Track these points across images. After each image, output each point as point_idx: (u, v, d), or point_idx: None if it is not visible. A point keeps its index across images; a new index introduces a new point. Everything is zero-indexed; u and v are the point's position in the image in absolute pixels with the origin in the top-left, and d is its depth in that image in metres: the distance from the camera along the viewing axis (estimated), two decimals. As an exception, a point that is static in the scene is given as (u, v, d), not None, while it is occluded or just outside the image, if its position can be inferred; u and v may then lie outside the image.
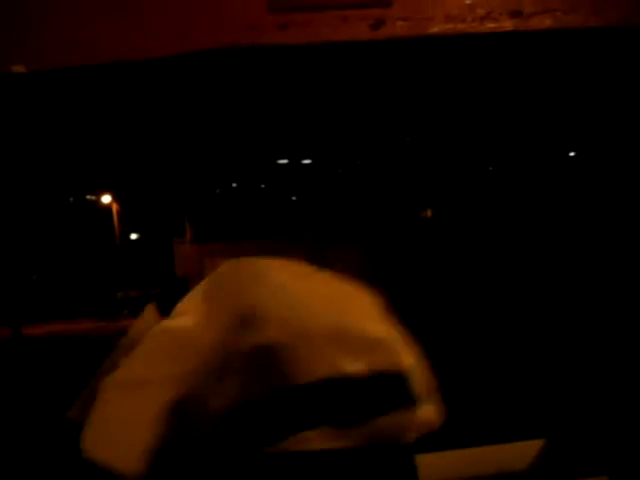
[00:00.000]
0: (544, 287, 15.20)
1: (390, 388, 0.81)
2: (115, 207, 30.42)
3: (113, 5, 1.88)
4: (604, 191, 19.37)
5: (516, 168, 23.54)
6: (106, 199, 30.67)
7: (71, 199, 35.13)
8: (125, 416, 0.81)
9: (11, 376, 10.79)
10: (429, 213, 26.37)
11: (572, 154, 24.58)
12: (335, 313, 0.86)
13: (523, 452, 2.83)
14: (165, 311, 0.94)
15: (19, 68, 1.78)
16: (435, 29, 1.94)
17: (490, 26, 1.95)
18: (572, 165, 23.60)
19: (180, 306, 0.90)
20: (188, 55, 1.89)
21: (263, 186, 31.43)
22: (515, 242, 19.51)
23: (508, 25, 1.96)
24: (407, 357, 0.85)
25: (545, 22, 1.96)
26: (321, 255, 25.47)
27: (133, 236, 34.73)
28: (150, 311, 0.96)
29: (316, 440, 0.76)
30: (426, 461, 1.47)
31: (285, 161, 32.32)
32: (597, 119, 20.88)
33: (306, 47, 2.00)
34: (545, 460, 2.76)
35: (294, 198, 30.87)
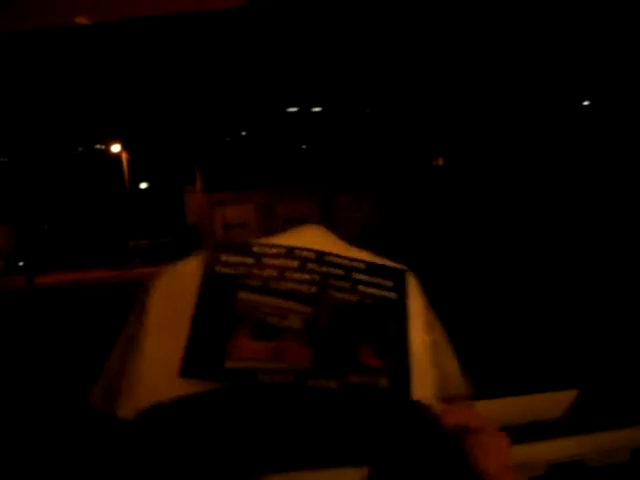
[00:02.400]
0: (561, 235, 15.15)
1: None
2: (125, 156, 30.29)
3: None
4: (616, 142, 19.13)
5: (530, 116, 23.22)
6: (116, 148, 30.54)
7: (80, 148, 35.05)
8: (127, 366, 0.79)
9: (25, 326, 10.92)
10: (441, 162, 26.20)
11: (586, 103, 24.22)
12: None
13: (557, 402, 2.84)
14: (176, 258, 0.91)
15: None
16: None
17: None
18: (585, 114, 23.27)
19: None
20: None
21: (273, 134, 31.23)
22: (528, 191, 19.38)
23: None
24: None
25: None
26: (331, 203, 25.52)
27: (143, 185, 34.71)
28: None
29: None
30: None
31: (295, 109, 32.05)
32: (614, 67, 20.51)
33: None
34: (578, 410, 2.76)
35: (304, 146, 30.70)
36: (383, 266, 0.79)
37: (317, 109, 31.67)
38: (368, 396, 0.72)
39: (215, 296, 0.74)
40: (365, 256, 0.81)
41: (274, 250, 0.77)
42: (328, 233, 0.85)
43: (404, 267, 0.81)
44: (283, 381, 0.70)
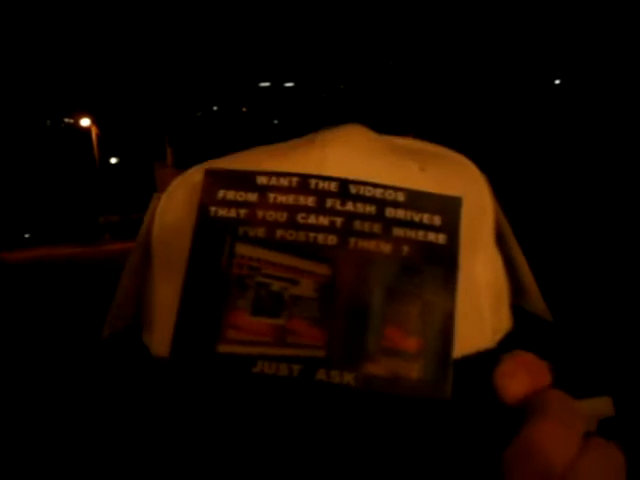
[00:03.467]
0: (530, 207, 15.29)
1: None
2: (94, 130, 29.88)
3: None
4: (588, 120, 19.30)
5: (501, 93, 23.31)
6: (85, 122, 30.08)
7: (48, 122, 34.51)
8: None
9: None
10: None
11: (557, 82, 24.36)
12: None
13: None
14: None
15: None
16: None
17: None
18: (557, 92, 23.41)
19: None
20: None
21: (245, 109, 31.02)
22: (500, 171, 19.49)
23: None
24: None
25: None
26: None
27: (113, 160, 34.30)
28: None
29: None
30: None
31: (267, 84, 31.81)
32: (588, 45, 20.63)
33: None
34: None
35: (276, 122, 30.55)
36: (430, 195, 0.56)
37: (289, 84, 31.47)
38: (395, 393, 0.51)
39: (208, 251, 0.54)
40: (415, 172, 0.57)
41: (284, 181, 0.57)
42: (370, 136, 0.60)
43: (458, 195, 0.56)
44: (287, 374, 0.52)
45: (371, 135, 0.60)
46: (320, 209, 0.56)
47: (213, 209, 0.55)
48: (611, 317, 5.27)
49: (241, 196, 0.56)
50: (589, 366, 2.79)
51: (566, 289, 6.94)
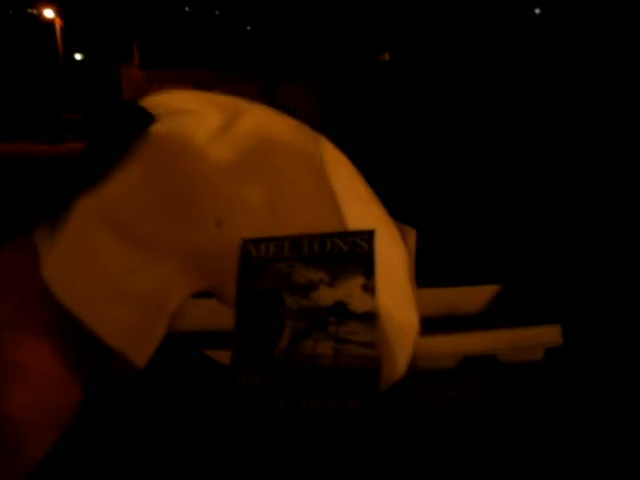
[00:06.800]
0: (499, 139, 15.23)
1: None
2: (58, 23, 28.63)
3: None
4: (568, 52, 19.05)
5: (478, 14, 22.84)
6: (49, 14, 28.78)
7: (10, 11, 32.99)
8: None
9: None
10: (387, 57, 25.78)
11: (537, 11, 23.92)
12: None
13: (478, 296, 2.82)
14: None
15: None
16: None
17: None
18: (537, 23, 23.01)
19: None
20: None
21: (217, 13, 30.01)
22: (473, 92, 19.29)
23: None
24: None
25: None
26: (273, 89, 24.96)
27: (78, 56, 33.09)
28: None
29: None
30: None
31: (242, -12, 30.76)
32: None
33: None
34: (499, 305, 2.76)
35: (249, 28, 29.64)
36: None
37: (265, -10, 30.46)
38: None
39: None
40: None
41: None
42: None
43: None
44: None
45: None
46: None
47: None
48: (563, 249, 5.26)
49: None
50: (539, 294, 2.72)
51: (528, 220, 6.90)
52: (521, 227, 6.46)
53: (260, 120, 0.78)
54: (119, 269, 0.66)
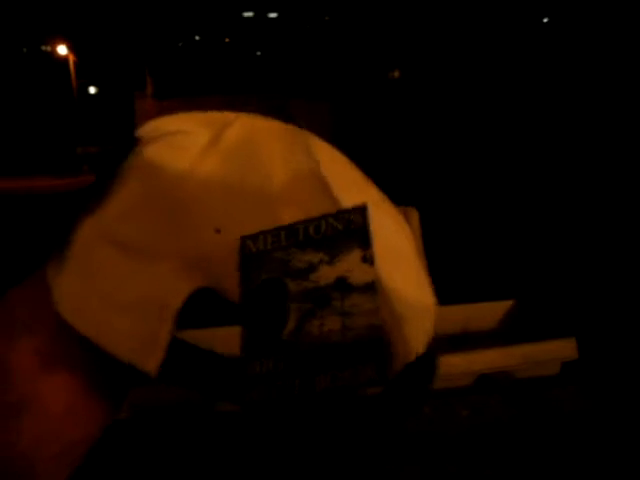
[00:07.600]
0: (510, 150, 15.19)
1: None
2: (72, 59, 29.07)
3: None
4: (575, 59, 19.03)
5: (488, 31, 22.88)
6: (62, 50, 29.23)
7: (25, 50, 33.55)
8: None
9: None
10: (397, 74, 25.87)
11: (545, 20, 23.95)
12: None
13: (493, 312, 2.80)
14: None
15: None
16: None
17: None
18: (545, 31, 23.02)
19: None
20: None
21: (227, 40, 30.34)
22: (483, 105, 19.29)
23: None
24: None
25: None
26: (285, 111, 25.10)
27: (92, 90, 33.53)
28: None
29: None
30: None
31: (251, 14, 31.07)
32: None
33: None
34: (513, 321, 2.73)
35: (259, 53, 29.93)
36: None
37: (273, 15, 30.76)
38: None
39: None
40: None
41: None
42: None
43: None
44: None
45: None
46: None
47: None
48: (579, 262, 5.22)
49: None
50: (554, 308, 2.69)
51: (541, 233, 6.85)
52: (534, 240, 6.42)
53: (247, 127, 0.80)
54: (120, 281, 0.68)
